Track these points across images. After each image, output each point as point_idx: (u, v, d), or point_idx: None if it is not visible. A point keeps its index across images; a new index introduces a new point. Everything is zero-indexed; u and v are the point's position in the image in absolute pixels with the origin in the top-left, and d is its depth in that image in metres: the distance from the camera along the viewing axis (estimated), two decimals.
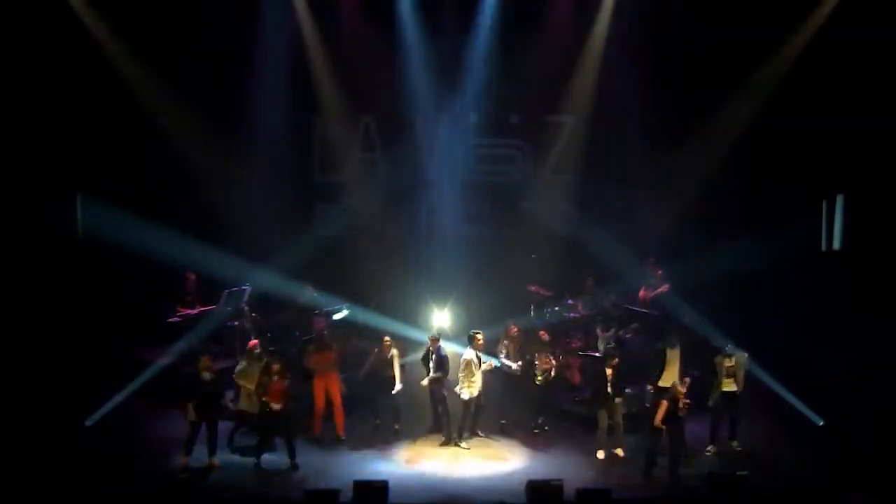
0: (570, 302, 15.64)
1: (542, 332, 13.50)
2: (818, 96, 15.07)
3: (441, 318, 15.76)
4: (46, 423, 12.52)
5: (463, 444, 12.63)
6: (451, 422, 12.73)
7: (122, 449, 12.25)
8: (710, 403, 12.47)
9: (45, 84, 14.60)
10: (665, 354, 12.68)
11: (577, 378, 13.53)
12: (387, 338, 13.00)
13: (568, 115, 17.35)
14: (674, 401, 11.53)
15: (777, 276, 15.09)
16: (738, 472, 10.31)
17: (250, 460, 11.97)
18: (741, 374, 12.42)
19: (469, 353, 12.62)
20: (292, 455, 11.85)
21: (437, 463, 12.18)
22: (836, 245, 15.49)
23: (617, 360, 12.35)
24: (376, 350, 12.94)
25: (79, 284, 14.85)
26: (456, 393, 12.63)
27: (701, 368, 12.84)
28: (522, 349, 13.32)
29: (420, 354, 13.33)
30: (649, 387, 12.73)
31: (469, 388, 12.54)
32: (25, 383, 13.16)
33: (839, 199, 15.47)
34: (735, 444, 12.57)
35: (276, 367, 11.88)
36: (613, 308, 15.07)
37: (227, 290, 14.51)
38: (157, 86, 15.58)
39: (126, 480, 11.17)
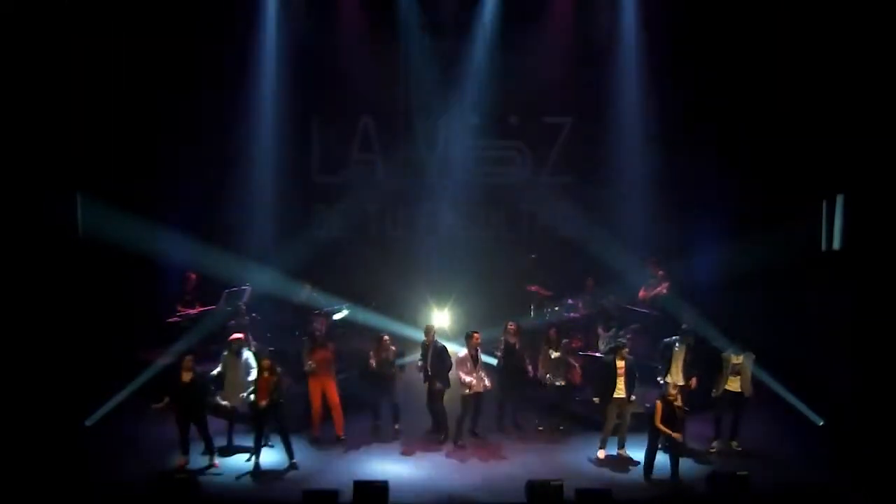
0: (570, 302, 15.64)
1: (551, 331, 13.46)
2: (818, 96, 15.08)
3: (441, 318, 15.77)
4: (46, 423, 12.52)
5: (462, 444, 12.63)
6: (450, 421, 12.72)
7: (122, 449, 12.26)
8: (713, 394, 12.51)
9: (45, 84, 14.59)
10: (672, 349, 12.65)
11: (577, 378, 13.53)
12: (386, 337, 12.99)
13: (567, 116, 17.36)
14: (666, 401, 11.54)
15: (777, 276, 15.08)
16: (738, 472, 10.31)
17: (250, 460, 11.97)
18: (747, 375, 12.43)
19: (464, 352, 12.65)
20: (290, 453, 11.84)
21: (438, 463, 12.18)
22: (836, 245, 15.48)
23: (627, 357, 12.31)
24: (375, 350, 12.93)
25: (79, 284, 14.84)
26: (456, 390, 12.65)
27: (700, 368, 12.83)
28: (522, 348, 13.34)
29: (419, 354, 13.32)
30: (660, 379, 12.70)
31: (467, 386, 12.54)
32: (25, 383, 13.15)
33: (839, 199, 15.47)
34: (735, 443, 12.58)
35: (265, 362, 11.87)
36: (614, 308, 15.08)
37: (226, 290, 14.52)
38: (158, 86, 15.57)
39: (126, 480, 11.17)
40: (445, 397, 12.83)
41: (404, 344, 14.20)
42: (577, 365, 13.36)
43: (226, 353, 12.38)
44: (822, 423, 13.22)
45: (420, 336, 13.19)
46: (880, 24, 14.35)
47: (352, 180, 17.54)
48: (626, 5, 16.45)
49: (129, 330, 14.75)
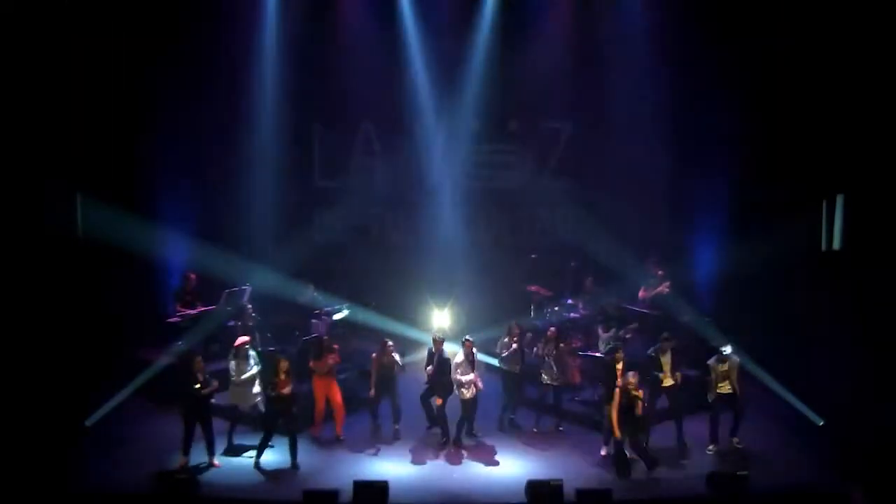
0: (570, 302, 15.64)
1: (550, 331, 13.47)
2: (818, 96, 15.08)
3: (441, 318, 15.77)
4: (46, 423, 12.52)
5: (462, 444, 12.63)
6: (450, 422, 12.73)
7: (122, 449, 12.26)
8: (710, 399, 12.55)
9: (45, 83, 14.58)
10: (659, 356, 12.69)
11: (576, 378, 13.54)
12: (389, 341, 12.99)
13: (566, 121, 17.37)
14: (625, 390, 11.56)
15: (777, 276, 15.08)
16: (738, 472, 10.32)
17: (250, 460, 11.99)
18: (734, 377, 12.48)
19: (461, 356, 12.66)
20: (294, 455, 11.86)
21: (437, 463, 12.19)
22: (836, 245, 15.48)
23: (622, 353, 12.37)
24: (376, 355, 12.94)
25: (79, 284, 14.84)
26: (455, 393, 12.65)
27: (700, 369, 12.84)
28: (523, 350, 13.35)
29: (420, 357, 13.31)
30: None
31: (466, 389, 12.56)
32: (25, 383, 13.15)
33: (839, 199, 15.47)
34: (736, 440, 12.61)
35: (283, 364, 11.95)
36: (614, 308, 15.07)
37: (227, 290, 14.52)
38: (158, 87, 15.57)
39: (126, 480, 11.17)
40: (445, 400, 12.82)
41: (404, 344, 14.19)
42: (574, 365, 13.37)
43: (234, 356, 12.38)
44: (822, 423, 13.23)
45: (420, 336, 13.21)
46: (880, 24, 14.35)
47: (352, 185, 17.56)
48: (628, 9, 16.45)
49: (129, 330, 14.74)
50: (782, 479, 11.42)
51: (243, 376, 12.27)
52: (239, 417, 12.54)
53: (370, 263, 16.93)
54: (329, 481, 11.00)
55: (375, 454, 12.40)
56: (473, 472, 11.94)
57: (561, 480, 10.03)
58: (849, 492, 10.63)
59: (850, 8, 14.67)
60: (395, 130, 17.40)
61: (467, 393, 12.60)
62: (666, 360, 12.64)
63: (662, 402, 12.82)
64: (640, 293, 15.39)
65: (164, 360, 13.98)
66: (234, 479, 11.53)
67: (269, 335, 14.53)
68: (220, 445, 12.15)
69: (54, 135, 14.78)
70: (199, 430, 11.81)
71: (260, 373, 12.39)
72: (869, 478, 11.16)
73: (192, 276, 14.90)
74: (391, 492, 9.74)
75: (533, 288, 16.14)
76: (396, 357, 12.92)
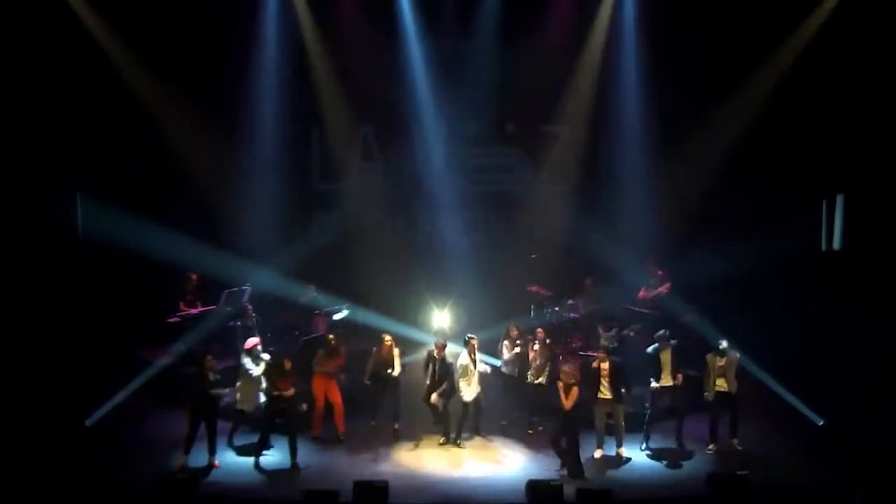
0: (570, 302, 15.64)
1: (539, 330, 13.47)
2: (818, 97, 15.08)
3: (441, 318, 15.77)
4: (46, 423, 12.52)
5: (462, 444, 12.64)
6: (450, 422, 12.73)
7: (122, 449, 12.26)
8: (707, 398, 12.52)
9: (45, 84, 14.60)
10: (658, 355, 12.67)
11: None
12: (387, 337, 13.00)
13: (564, 124, 17.37)
14: (566, 386, 11.57)
15: (777, 276, 15.09)
16: (738, 472, 10.31)
17: (250, 460, 11.98)
18: (731, 374, 12.44)
19: (464, 357, 12.65)
20: (294, 455, 11.86)
21: (437, 463, 12.18)
22: (836, 245, 15.49)
23: (610, 358, 12.33)
24: (376, 349, 12.94)
25: (79, 284, 14.85)
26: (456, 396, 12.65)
27: (699, 368, 12.84)
28: (523, 352, 13.34)
29: (420, 357, 13.29)
30: (652, 382, 12.67)
31: (468, 390, 12.56)
32: (25, 383, 13.16)
33: (839, 199, 15.47)
34: (736, 442, 12.58)
35: (287, 364, 11.97)
36: (613, 308, 15.07)
37: (227, 290, 14.52)
38: (158, 88, 15.57)
39: (126, 480, 11.17)
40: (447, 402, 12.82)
41: (404, 344, 14.18)
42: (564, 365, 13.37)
43: (246, 359, 12.37)
44: (821, 423, 13.22)
45: (420, 336, 13.19)
46: (880, 24, 14.36)
47: (352, 188, 17.55)
48: (625, 12, 16.44)
49: (129, 330, 14.74)
50: (782, 479, 11.41)
51: (253, 383, 12.25)
52: (242, 418, 12.51)
53: (369, 264, 16.91)
54: (329, 481, 10.98)
55: (375, 454, 12.40)
56: (473, 472, 11.93)
57: (561, 480, 10.06)
58: (849, 492, 10.64)
59: (850, 8, 14.69)
60: (394, 134, 17.38)
61: (470, 394, 12.59)
62: (666, 360, 12.64)
63: (663, 402, 12.81)
64: (641, 293, 15.39)
65: (164, 360, 13.97)
66: (234, 479, 11.52)
67: (269, 335, 14.53)
68: (221, 445, 12.15)
69: (54, 135, 14.80)
70: (200, 430, 11.81)
71: (263, 373, 12.39)
72: (869, 478, 11.17)
73: (193, 276, 14.91)
74: (391, 492, 9.73)
75: (533, 288, 16.14)
76: (396, 353, 12.90)
